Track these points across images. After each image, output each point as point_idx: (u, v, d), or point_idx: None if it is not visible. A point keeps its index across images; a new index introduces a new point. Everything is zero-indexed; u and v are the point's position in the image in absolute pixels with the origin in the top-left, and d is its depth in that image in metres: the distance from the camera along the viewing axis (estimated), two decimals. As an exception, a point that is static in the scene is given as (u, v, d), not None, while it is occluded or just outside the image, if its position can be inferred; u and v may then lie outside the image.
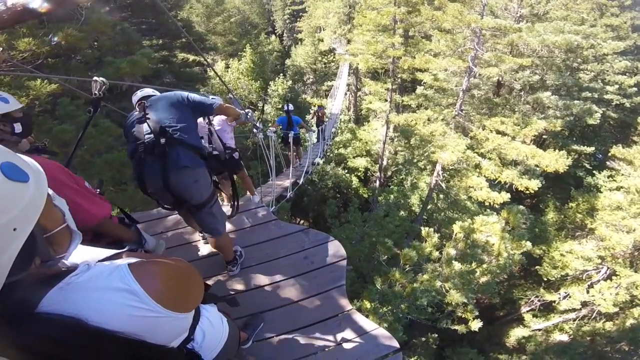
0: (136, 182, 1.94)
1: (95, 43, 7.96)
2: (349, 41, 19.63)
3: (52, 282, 0.64)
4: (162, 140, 1.77)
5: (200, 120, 2.83)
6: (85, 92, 2.72)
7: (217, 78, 12.10)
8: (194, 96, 1.96)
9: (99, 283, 0.65)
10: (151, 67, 8.39)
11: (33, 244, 0.60)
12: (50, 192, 0.73)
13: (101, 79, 1.91)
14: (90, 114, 1.93)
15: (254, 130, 3.30)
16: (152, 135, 1.79)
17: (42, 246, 0.65)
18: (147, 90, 2.16)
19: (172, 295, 0.72)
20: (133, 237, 1.76)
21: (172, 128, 1.80)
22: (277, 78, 17.38)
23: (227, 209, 3.10)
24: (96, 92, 1.89)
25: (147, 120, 1.82)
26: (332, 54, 23.21)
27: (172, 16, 4.29)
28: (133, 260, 0.74)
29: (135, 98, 2.09)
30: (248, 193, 3.58)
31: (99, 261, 0.78)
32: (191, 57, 13.57)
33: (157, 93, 2.12)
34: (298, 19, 28.54)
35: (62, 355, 0.58)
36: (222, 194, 3.44)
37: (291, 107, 7.43)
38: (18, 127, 1.40)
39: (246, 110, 2.62)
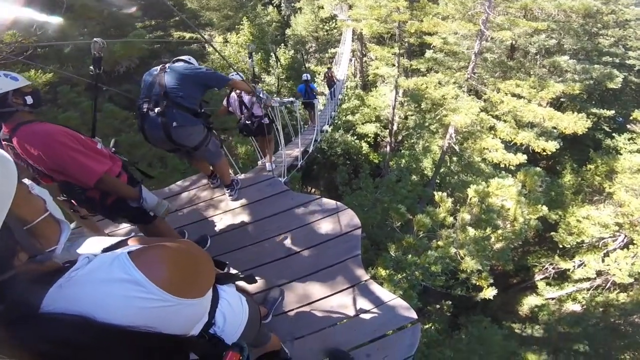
0: (140, 132, 2.39)
1: (85, 29, 7.75)
2: (350, 7, 18.64)
3: (51, 279, 0.60)
4: (164, 102, 2.20)
5: (233, 94, 3.86)
6: (83, 77, 2.72)
7: (216, 54, 11.75)
8: (206, 73, 2.37)
9: (100, 275, 0.61)
10: (147, 48, 8.16)
11: (10, 237, 0.57)
12: (28, 182, 0.70)
13: (100, 39, 2.00)
14: (93, 73, 2.06)
15: (259, 100, 3.36)
16: (158, 94, 2.22)
17: (23, 239, 0.60)
18: (184, 57, 2.54)
19: (180, 280, 0.66)
20: (134, 195, 1.82)
21: (174, 94, 2.22)
22: (278, 49, 16.78)
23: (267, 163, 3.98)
24: (96, 52, 2.00)
25: (158, 81, 2.25)
26: (334, 20, 22.18)
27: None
28: (133, 247, 0.69)
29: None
30: (260, 161, 4.21)
31: (102, 250, 0.74)
32: (187, 35, 13.15)
33: (194, 62, 2.53)
34: (295, -12, 27.17)
35: (71, 356, 0.54)
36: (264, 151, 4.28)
37: (308, 76, 8.64)
38: (29, 99, 1.60)
39: (258, 87, 3.05)
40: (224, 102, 4.05)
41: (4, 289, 0.53)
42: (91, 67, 2.05)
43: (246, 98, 3.83)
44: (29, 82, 1.63)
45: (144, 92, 2.29)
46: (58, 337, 0.53)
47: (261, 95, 2.96)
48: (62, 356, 0.53)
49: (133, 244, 0.75)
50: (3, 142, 1.63)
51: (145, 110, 2.25)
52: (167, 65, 2.35)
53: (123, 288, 0.59)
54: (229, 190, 2.99)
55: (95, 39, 1.98)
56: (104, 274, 0.61)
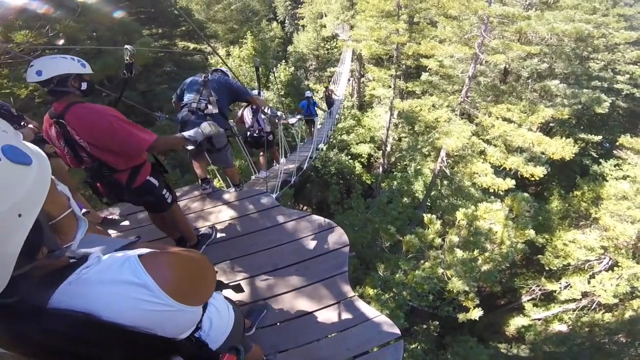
0: (179, 127, 2.76)
1: (94, 34, 7.89)
2: (352, 27, 19.24)
3: (61, 276, 0.62)
4: (213, 109, 2.70)
5: (247, 110, 4.37)
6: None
7: (222, 64, 11.97)
8: (239, 86, 2.89)
9: (110, 276, 0.63)
10: (151, 56, 8.32)
11: (39, 231, 0.58)
12: (53, 177, 0.72)
13: (131, 47, 2.16)
14: (125, 77, 2.23)
15: (262, 115, 4.03)
16: (203, 102, 2.70)
17: (48, 234, 0.62)
18: (221, 68, 3.01)
19: (186, 288, 0.70)
20: (181, 140, 2.00)
21: (218, 102, 2.72)
22: (279, 65, 17.12)
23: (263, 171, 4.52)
24: (127, 58, 2.16)
25: (204, 90, 2.71)
26: (335, 40, 22.74)
27: (172, 4, 4.34)
28: (144, 251, 0.72)
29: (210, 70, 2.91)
30: (253, 176, 4.49)
31: (114, 251, 0.76)
32: (192, 46, 13.40)
33: (229, 74, 2.96)
34: (300, 5, 27.89)
35: (73, 351, 0.56)
36: (260, 161, 4.81)
37: (310, 93, 9.20)
38: (84, 86, 1.78)
39: (269, 106, 3.60)
40: (239, 113, 4.53)
41: (19, 282, 0.54)
42: (124, 71, 2.21)
43: (260, 115, 4.30)
44: (91, 72, 1.83)
45: (191, 94, 2.75)
46: (61, 332, 0.55)
47: (268, 111, 3.36)
48: (64, 350, 0.55)
49: (143, 248, 0.77)
50: (51, 120, 1.77)
51: (194, 109, 2.72)
52: (209, 75, 2.78)
53: (132, 290, 0.62)
54: (236, 187, 3.46)
55: (126, 46, 2.15)
56: (114, 275, 0.63)
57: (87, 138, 1.74)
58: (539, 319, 11.38)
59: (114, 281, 0.62)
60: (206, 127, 2.03)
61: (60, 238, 0.70)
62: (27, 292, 0.56)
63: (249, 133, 4.45)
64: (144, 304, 0.62)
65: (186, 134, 2.00)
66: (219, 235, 2.77)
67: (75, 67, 1.72)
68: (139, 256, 0.66)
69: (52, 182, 0.63)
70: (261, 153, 4.98)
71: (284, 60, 19.32)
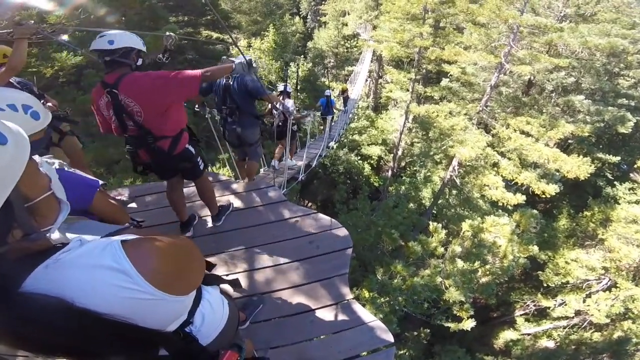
0: (221, 128, 3.30)
1: (123, 17, 8.07)
2: (374, 27, 19.07)
3: (39, 259, 0.58)
4: (238, 114, 3.07)
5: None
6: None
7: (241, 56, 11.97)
8: (258, 87, 3.02)
9: (89, 260, 0.60)
10: (176, 42, 8.51)
11: (9, 213, 0.55)
12: (38, 158, 0.70)
13: (174, 34, 2.39)
14: (160, 62, 2.44)
15: (274, 111, 4.11)
16: (232, 107, 3.06)
17: (21, 217, 0.59)
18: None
19: (169, 276, 0.66)
20: (231, 67, 2.14)
21: (243, 106, 3.04)
22: (298, 59, 17.12)
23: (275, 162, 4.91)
24: (168, 45, 2.39)
25: (229, 93, 3.01)
26: (356, 39, 22.55)
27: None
28: (130, 237, 0.68)
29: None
30: (262, 169, 4.88)
31: (101, 237, 0.72)
32: (215, 35, 13.51)
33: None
34: (323, 2, 27.78)
35: (44, 338, 0.53)
36: (277, 151, 5.17)
37: (329, 92, 9.27)
38: (140, 61, 1.96)
39: (283, 101, 3.87)
40: (269, 105, 4.81)
41: None
42: (160, 56, 2.40)
43: (289, 103, 4.51)
44: (146, 51, 2.01)
45: (220, 98, 3.09)
46: (30, 318, 0.51)
47: (280, 107, 3.56)
48: (34, 338, 0.52)
49: (131, 234, 0.74)
50: (103, 91, 1.86)
51: (225, 115, 3.16)
52: (230, 77, 2.97)
53: (110, 276, 0.58)
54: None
55: (169, 33, 2.35)
56: (93, 260, 0.60)
57: (144, 101, 1.84)
58: (529, 334, 11.30)
59: (93, 266, 0.59)
60: (241, 63, 2.23)
61: (36, 220, 0.67)
62: None
63: (273, 124, 4.74)
64: (123, 291, 0.58)
65: (235, 61, 2.19)
66: (224, 224, 2.77)
67: (139, 44, 1.92)
68: (123, 242, 0.63)
69: (33, 163, 0.62)
70: (280, 144, 5.18)
71: (302, 56, 19.29)
